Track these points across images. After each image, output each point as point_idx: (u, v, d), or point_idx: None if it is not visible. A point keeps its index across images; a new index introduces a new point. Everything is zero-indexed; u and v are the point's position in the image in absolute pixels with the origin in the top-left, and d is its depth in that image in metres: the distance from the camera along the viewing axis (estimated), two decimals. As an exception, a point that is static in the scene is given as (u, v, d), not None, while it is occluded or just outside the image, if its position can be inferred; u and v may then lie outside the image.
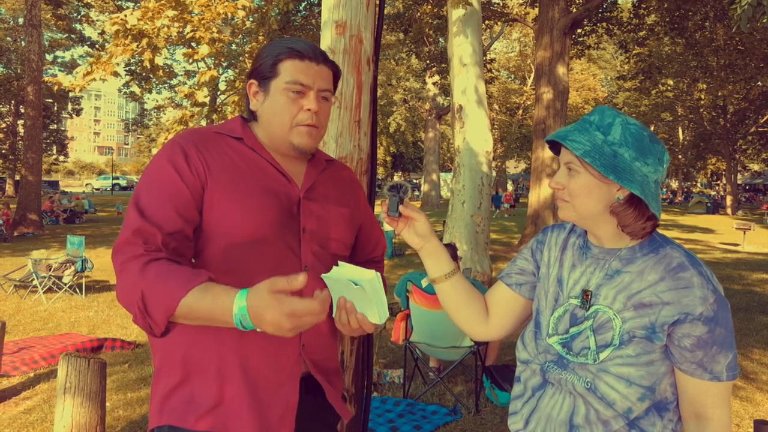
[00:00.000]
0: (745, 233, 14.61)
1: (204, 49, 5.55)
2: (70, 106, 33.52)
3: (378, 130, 2.64)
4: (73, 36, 23.95)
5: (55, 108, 32.28)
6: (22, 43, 24.32)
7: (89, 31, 24.59)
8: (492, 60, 20.57)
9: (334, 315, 1.28)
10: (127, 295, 1.08)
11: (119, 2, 18.10)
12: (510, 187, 43.13)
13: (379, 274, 1.18)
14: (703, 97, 27.18)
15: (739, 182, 42.66)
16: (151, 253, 1.10)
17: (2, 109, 30.89)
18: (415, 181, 44.48)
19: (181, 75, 24.96)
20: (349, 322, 1.23)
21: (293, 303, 0.95)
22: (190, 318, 1.05)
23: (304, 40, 1.31)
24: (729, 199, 30.38)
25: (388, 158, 43.39)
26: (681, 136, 37.74)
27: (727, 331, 1.06)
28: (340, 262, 1.22)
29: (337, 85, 1.37)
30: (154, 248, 1.10)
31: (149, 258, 1.09)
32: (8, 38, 28.69)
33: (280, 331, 0.96)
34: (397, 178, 49.21)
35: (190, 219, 1.18)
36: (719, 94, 23.38)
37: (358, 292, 1.21)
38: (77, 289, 7.83)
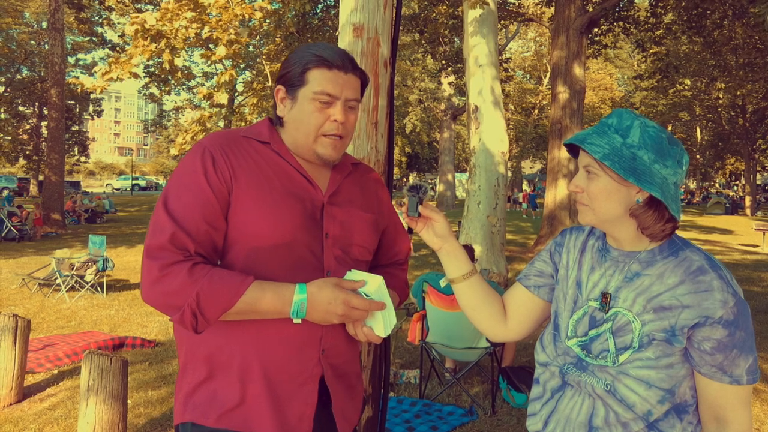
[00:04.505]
0: (764, 234, 14.32)
1: (221, 51, 5.62)
2: (91, 108, 34.03)
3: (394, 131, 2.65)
4: (94, 39, 24.34)
5: (77, 110, 32.78)
6: (46, 46, 24.74)
7: (110, 34, 24.97)
8: (507, 59, 20.47)
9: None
10: (172, 297, 1.12)
11: (139, 5, 18.37)
12: (526, 187, 42.82)
13: (382, 278, 1.22)
14: (721, 96, 26.68)
15: (758, 182, 41.78)
16: (191, 257, 1.15)
17: (26, 110, 31.48)
18: (430, 181, 44.37)
19: (200, 77, 25.23)
20: (357, 334, 1.26)
21: (353, 297, 1.18)
22: (244, 312, 1.15)
23: (332, 46, 1.30)
24: (748, 200, 29.78)
25: (403, 159, 43.36)
26: (699, 136, 37.11)
27: (747, 335, 1.05)
28: (352, 270, 1.24)
29: (364, 93, 1.35)
30: (190, 254, 1.15)
31: (192, 262, 1.14)
32: (32, 41, 29.15)
33: (329, 316, 1.18)
34: (412, 178, 49.18)
35: (216, 227, 1.20)
36: (738, 93, 22.94)
37: None
38: (99, 288, 7.97)
